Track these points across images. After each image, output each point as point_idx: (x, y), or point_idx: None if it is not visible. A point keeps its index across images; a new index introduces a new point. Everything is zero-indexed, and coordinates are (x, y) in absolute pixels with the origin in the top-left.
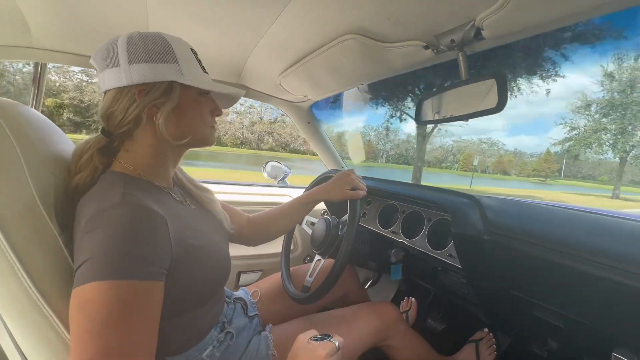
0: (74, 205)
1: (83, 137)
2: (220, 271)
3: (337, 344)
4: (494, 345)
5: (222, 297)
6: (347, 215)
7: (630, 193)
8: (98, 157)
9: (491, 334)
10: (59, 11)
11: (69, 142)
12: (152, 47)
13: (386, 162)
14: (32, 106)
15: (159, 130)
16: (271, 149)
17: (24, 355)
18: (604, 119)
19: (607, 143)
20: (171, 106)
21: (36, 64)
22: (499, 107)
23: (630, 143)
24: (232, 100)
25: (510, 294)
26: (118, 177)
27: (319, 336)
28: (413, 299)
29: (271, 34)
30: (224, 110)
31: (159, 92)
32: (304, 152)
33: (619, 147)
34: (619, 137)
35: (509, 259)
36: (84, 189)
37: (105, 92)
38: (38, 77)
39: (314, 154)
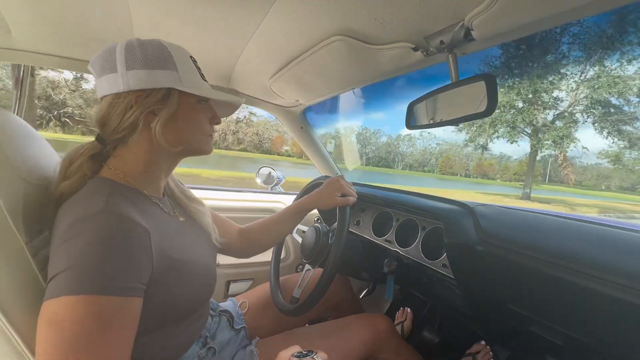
0: (53, 211)
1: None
2: (204, 288)
3: None
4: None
5: (206, 312)
6: (337, 222)
7: (550, 192)
8: (88, 163)
9: (488, 347)
10: (39, 12)
11: (47, 147)
12: (150, 54)
13: (366, 165)
14: (14, 110)
15: (155, 137)
16: (243, 150)
17: None
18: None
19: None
20: (169, 112)
21: (18, 67)
22: (489, 110)
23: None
24: (231, 108)
25: (505, 308)
26: (105, 183)
27: (303, 352)
28: (409, 310)
29: (258, 36)
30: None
31: (157, 98)
32: (270, 152)
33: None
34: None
35: (503, 271)
36: (69, 196)
37: (102, 98)
38: (20, 79)
39: (289, 155)
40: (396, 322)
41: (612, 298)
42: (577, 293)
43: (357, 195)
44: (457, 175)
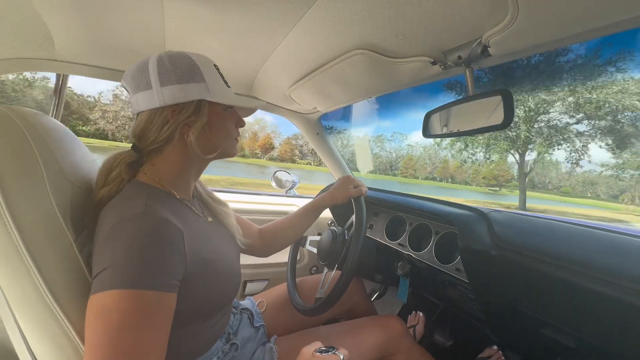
0: (97, 212)
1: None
2: (231, 285)
3: (342, 357)
4: None
5: (230, 309)
6: (353, 216)
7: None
8: (126, 170)
9: (500, 352)
10: (82, 26)
11: (85, 150)
12: (181, 68)
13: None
14: (52, 115)
15: (190, 147)
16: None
17: (34, 356)
18: None
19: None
20: (202, 124)
21: (58, 76)
22: (505, 123)
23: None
24: (251, 110)
25: (518, 311)
26: (142, 187)
27: (323, 348)
28: (421, 314)
29: (282, 48)
30: None
31: (190, 111)
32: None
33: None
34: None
35: (517, 275)
36: (108, 199)
37: (138, 114)
38: (59, 88)
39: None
40: (408, 325)
41: (625, 302)
42: (590, 297)
43: (367, 189)
44: (418, 178)
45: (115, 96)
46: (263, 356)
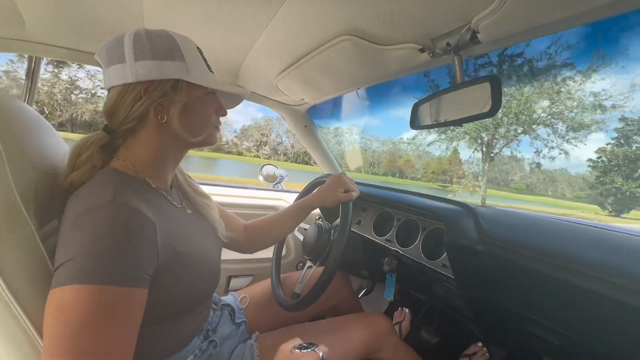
0: (65, 200)
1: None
2: (209, 281)
3: (321, 354)
4: None
5: (209, 305)
6: (339, 218)
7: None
8: (98, 154)
9: (485, 349)
10: (53, 5)
11: (57, 136)
12: (158, 44)
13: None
14: (24, 100)
15: (166, 130)
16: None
17: None
18: None
19: None
20: (179, 105)
21: (30, 58)
22: (493, 111)
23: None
24: (237, 99)
25: (503, 307)
26: (113, 174)
27: (303, 345)
28: (407, 310)
29: (267, 33)
30: None
31: (165, 89)
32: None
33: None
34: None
35: (503, 271)
36: (79, 185)
37: (109, 89)
38: (32, 70)
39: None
40: (394, 322)
41: (610, 298)
42: (575, 293)
43: (359, 191)
44: (361, 172)
45: None
46: (243, 353)
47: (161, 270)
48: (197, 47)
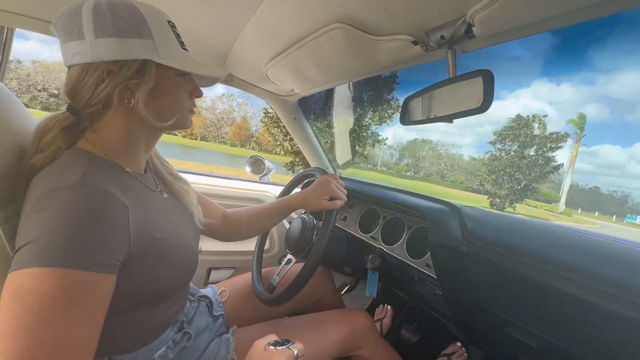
0: (25, 180)
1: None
2: (185, 269)
3: (295, 352)
4: None
5: (185, 295)
6: (322, 223)
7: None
8: (62, 135)
9: (464, 349)
10: None
11: (26, 113)
12: (122, 19)
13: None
14: None
15: (136, 114)
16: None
17: None
18: None
19: None
20: (147, 88)
21: (1, 29)
22: (484, 107)
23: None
24: (213, 80)
25: (484, 309)
26: (82, 154)
27: (278, 341)
28: (389, 307)
29: (258, 16)
30: None
31: (131, 71)
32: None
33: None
34: None
35: (485, 272)
36: (42, 168)
37: (69, 67)
38: (3, 42)
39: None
40: (375, 318)
41: (590, 303)
42: (555, 296)
43: (346, 198)
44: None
45: None
46: (218, 348)
47: (134, 256)
48: (169, 21)
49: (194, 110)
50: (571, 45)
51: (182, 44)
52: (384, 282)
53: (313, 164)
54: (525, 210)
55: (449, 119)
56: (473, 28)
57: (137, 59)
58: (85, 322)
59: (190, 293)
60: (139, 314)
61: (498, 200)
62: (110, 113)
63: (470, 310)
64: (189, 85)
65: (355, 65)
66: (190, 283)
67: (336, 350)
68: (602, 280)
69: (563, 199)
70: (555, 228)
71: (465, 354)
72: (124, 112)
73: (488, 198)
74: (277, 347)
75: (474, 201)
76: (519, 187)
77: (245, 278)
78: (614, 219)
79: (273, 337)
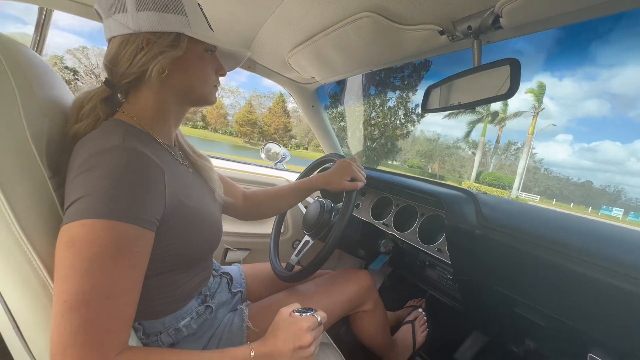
0: (70, 151)
1: None
2: (211, 237)
3: (319, 319)
4: (426, 324)
5: (209, 267)
6: (342, 203)
7: None
8: (101, 107)
9: (424, 314)
10: None
11: (66, 89)
12: None
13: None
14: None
15: (167, 84)
16: None
17: (2, 296)
18: None
19: None
20: (177, 55)
21: (41, 9)
22: (510, 93)
23: None
24: (236, 62)
25: (494, 290)
26: (119, 124)
27: (302, 309)
28: (421, 310)
29: (285, 6)
30: None
31: (167, 41)
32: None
33: None
34: None
35: (498, 254)
36: (82, 136)
37: (110, 40)
38: (42, 23)
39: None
40: (408, 304)
41: (598, 281)
42: (566, 276)
43: (366, 180)
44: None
45: None
46: (233, 319)
47: (167, 219)
48: (198, 3)
49: (217, 86)
50: (573, 41)
51: (209, 24)
52: (395, 267)
53: (327, 150)
54: None
55: (471, 106)
56: (501, 19)
57: (173, 31)
58: (130, 271)
59: (214, 268)
60: (168, 279)
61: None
62: (145, 84)
63: (481, 292)
64: (215, 62)
65: (379, 54)
66: (213, 259)
67: (345, 307)
68: (612, 260)
69: (516, 184)
70: (566, 214)
71: (425, 318)
72: (157, 83)
73: None
74: (302, 314)
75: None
76: None
77: (266, 265)
78: (589, 210)
79: (297, 306)
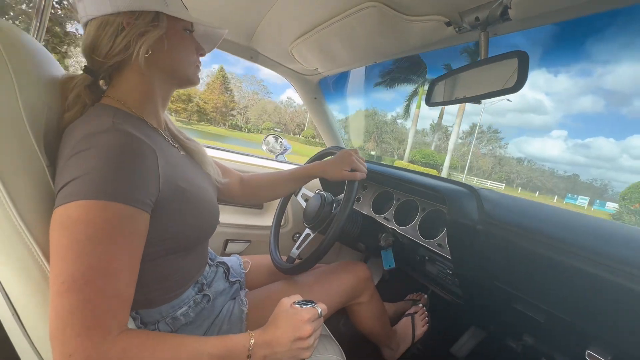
0: (59, 138)
1: None
2: (208, 220)
3: (319, 310)
4: (427, 319)
5: (205, 254)
6: (343, 195)
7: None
8: (86, 93)
9: (425, 309)
10: None
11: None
12: None
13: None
14: (34, 36)
15: (152, 63)
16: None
17: (1, 285)
18: None
19: None
20: (158, 34)
21: None
22: (518, 86)
23: None
24: (213, 42)
25: (494, 286)
26: (107, 108)
27: (303, 301)
28: (421, 305)
29: None
30: None
31: (147, 20)
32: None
33: None
34: None
35: (499, 250)
36: (70, 123)
37: (86, 23)
38: (42, 8)
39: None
40: (408, 298)
41: (597, 276)
42: (565, 272)
43: (366, 171)
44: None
45: None
46: (232, 307)
47: (162, 201)
48: None
49: (199, 66)
50: (569, 36)
51: (184, 6)
52: (395, 261)
53: (329, 143)
54: None
55: (477, 99)
56: (509, 10)
57: (150, 10)
58: (127, 252)
59: (210, 258)
60: (163, 265)
61: None
62: (127, 65)
63: (480, 288)
64: (194, 42)
65: (384, 46)
66: (210, 249)
67: (342, 299)
68: (612, 258)
69: (447, 163)
70: (568, 211)
71: (426, 312)
72: (141, 66)
73: None
74: (303, 306)
75: None
76: None
77: (266, 257)
78: (554, 199)
79: (298, 297)
